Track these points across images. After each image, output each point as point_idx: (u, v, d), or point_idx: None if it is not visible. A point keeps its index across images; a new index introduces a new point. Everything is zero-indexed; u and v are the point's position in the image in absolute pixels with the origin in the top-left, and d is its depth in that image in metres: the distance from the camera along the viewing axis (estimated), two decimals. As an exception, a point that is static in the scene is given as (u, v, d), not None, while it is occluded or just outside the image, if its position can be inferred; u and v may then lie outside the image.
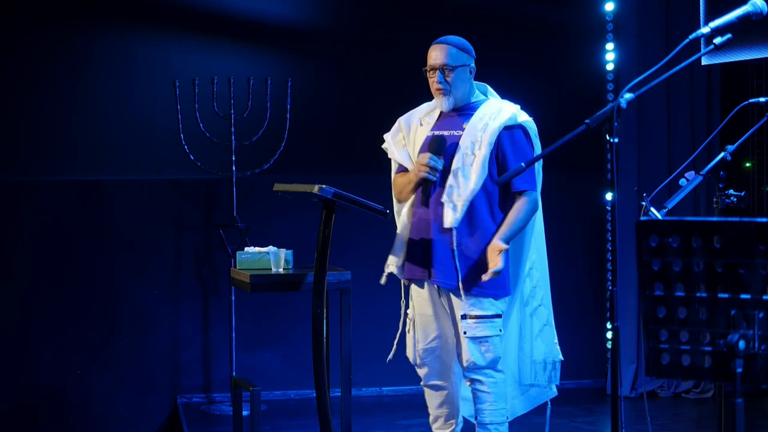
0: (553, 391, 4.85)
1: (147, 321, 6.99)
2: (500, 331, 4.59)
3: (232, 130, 6.86)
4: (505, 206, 4.65)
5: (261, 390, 5.08)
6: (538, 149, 4.69)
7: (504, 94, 4.87)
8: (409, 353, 4.83)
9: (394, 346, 4.90)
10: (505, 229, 4.58)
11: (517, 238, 4.70)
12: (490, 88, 4.82)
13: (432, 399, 4.83)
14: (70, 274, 6.89)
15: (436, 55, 4.67)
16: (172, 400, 7.00)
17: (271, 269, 5.06)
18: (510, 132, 4.60)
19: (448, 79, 4.65)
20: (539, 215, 4.77)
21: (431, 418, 4.86)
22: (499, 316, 4.60)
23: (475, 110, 4.67)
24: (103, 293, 6.94)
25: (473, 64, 4.73)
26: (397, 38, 6.97)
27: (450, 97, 4.68)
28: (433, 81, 4.68)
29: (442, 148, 4.61)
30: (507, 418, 4.65)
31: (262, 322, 7.11)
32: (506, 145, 4.60)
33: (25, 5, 6.89)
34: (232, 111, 6.86)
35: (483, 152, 4.56)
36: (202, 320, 7.08)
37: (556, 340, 4.80)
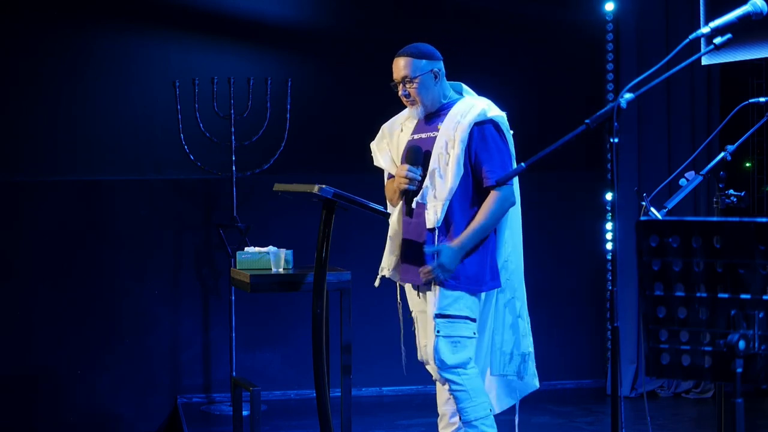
0: (535, 384, 4.86)
1: (147, 321, 6.99)
2: (474, 334, 4.62)
3: (232, 130, 6.86)
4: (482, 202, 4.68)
5: (261, 390, 5.08)
6: (511, 143, 4.71)
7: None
8: (418, 351, 4.86)
9: (402, 348, 4.91)
10: (467, 231, 4.58)
11: (499, 231, 4.71)
12: (465, 87, 4.86)
13: (439, 394, 4.85)
14: (70, 274, 6.89)
15: (395, 68, 4.74)
16: (172, 400, 7.00)
17: (271, 269, 5.06)
18: (481, 128, 4.62)
19: (411, 90, 4.70)
20: (516, 210, 4.78)
21: (438, 417, 4.87)
22: (473, 320, 4.62)
23: (449, 110, 4.71)
24: (103, 293, 6.94)
25: (439, 67, 4.74)
26: (397, 38, 6.92)
27: (419, 107, 4.74)
28: (400, 94, 4.75)
29: (418, 157, 4.67)
30: (491, 411, 4.66)
31: (262, 322, 7.11)
32: (477, 141, 4.61)
33: (25, 5, 6.89)
34: (232, 111, 6.86)
35: (456, 151, 4.59)
36: (202, 320, 7.08)
37: (528, 333, 4.80)
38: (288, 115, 6.93)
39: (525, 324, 4.80)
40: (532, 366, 4.81)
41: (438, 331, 4.59)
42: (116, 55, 7.00)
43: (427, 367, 4.85)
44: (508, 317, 4.77)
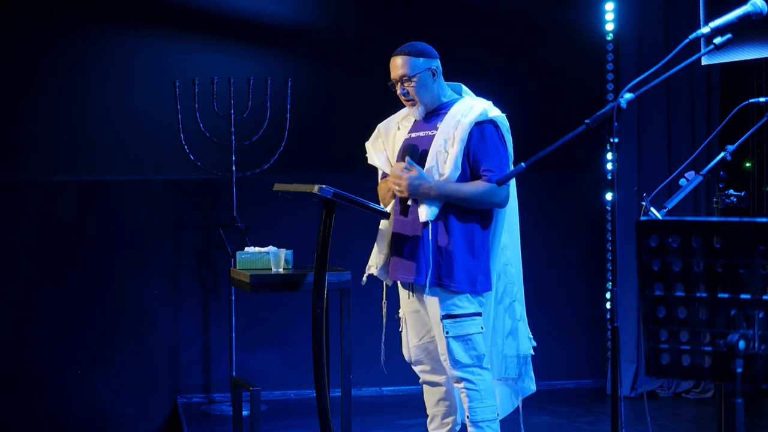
0: (532, 388, 4.86)
1: (147, 321, 6.99)
2: (481, 328, 4.62)
3: (232, 130, 6.86)
4: None
5: (261, 390, 5.08)
6: (510, 144, 4.71)
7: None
8: (404, 351, 4.85)
9: (383, 348, 4.91)
10: (450, 185, 4.56)
11: (493, 235, 4.69)
12: (464, 87, 4.84)
13: (429, 396, 4.85)
14: (70, 274, 6.89)
15: (392, 67, 4.72)
16: (172, 400, 7.00)
17: (271, 269, 5.06)
18: (480, 127, 4.61)
19: (410, 89, 4.69)
20: (514, 214, 4.77)
21: (428, 419, 4.86)
22: (478, 314, 4.61)
23: (449, 109, 4.70)
24: (103, 293, 6.94)
25: (436, 65, 4.72)
26: (397, 38, 6.93)
27: (419, 106, 4.73)
28: (399, 93, 4.73)
29: (414, 155, 4.65)
30: (497, 415, 4.67)
31: (262, 322, 7.11)
32: (476, 140, 4.60)
33: (25, 5, 6.89)
34: (232, 111, 6.86)
35: (455, 149, 4.58)
36: (202, 320, 7.08)
37: (530, 335, 4.81)
38: (288, 115, 6.93)
39: (525, 327, 4.80)
40: (530, 369, 4.82)
41: (447, 333, 4.59)
42: (116, 55, 7.00)
43: (414, 368, 4.85)
44: (508, 321, 4.78)
